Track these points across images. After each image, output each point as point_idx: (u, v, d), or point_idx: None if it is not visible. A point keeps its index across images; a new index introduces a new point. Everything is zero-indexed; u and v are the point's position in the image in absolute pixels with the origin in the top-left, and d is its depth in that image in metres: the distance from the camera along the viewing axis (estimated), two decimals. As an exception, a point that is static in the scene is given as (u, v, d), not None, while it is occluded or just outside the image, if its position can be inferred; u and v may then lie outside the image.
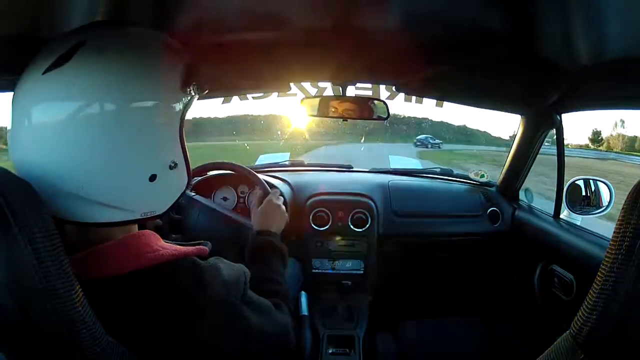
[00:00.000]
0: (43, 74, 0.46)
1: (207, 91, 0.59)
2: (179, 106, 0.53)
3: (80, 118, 0.45)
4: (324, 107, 1.25)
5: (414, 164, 4.90)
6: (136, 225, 0.56)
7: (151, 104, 0.50)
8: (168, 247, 0.53)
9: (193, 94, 0.55)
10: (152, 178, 0.51)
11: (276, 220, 0.90)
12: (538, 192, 1.62)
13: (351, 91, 1.26)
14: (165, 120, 0.52)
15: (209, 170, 1.27)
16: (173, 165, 0.54)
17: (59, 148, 0.46)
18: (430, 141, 11.13)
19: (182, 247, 0.55)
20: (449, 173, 1.73)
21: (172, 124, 0.53)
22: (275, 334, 0.64)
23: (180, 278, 0.52)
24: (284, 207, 0.94)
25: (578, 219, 1.25)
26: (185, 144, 0.55)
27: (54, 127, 0.45)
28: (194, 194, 1.19)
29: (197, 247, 0.57)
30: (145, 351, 0.48)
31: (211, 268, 0.55)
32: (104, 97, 0.46)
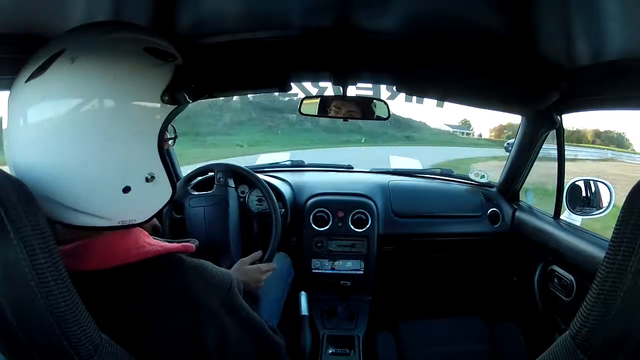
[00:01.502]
0: (25, 82, 0.47)
1: (199, 96, 0.57)
2: (156, 116, 0.51)
3: (52, 128, 0.46)
4: (323, 107, 1.25)
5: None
6: None
7: (122, 114, 0.48)
8: (154, 244, 0.54)
9: (179, 103, 0.52)
10: (126, 190, 0.50)
11: (250, 285, 0.96)
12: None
13: (352, 91, 1.25)
14: (139, 130, 0.49)
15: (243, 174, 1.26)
16: (150, 177, 0.51)
17: (32, 153, 0.47)
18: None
19: (168, 243, 0.55)
20: (449, 174, 1.73)
21: (148, 135, 0.50)
22: (262, 353, 0.63)
23: (163, 274, 0.52)
24: (264, 281, 1.02)
25: (578, 220, 1.25)
26: (167, 155, 0.53)
27: (29, 132, 0.47)
28: (233, 185, 1.22)
29: (183, 244, 0.57)
30: (133, 347, 0.49)
31: (195, 267, 0.55)
32: (73, 109, 0.46)
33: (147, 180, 0.51)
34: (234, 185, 1.23)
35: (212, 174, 1.23)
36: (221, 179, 1.20)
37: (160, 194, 0.54)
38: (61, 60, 0.47)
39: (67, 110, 0.46)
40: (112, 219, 0.51)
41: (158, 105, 0.51)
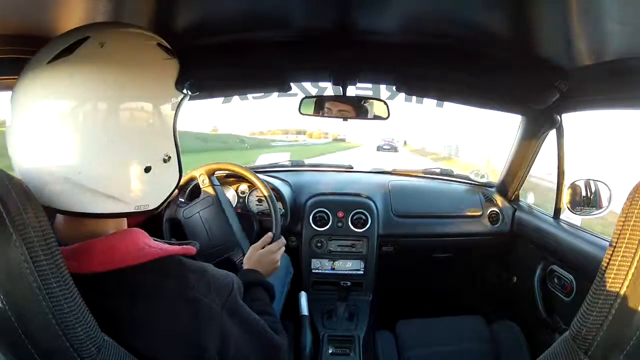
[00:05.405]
0: (47, 63, 0.48)
1: (201, 90, 0.60)
2: (173, 103, 0.56)
3: (81, 106, 0.48)
4: (321, 108, 1.25)
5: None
6: (126, 223, 0.58)
7: (147, 98, 0.52)
8: (154, 246, 0.54)
9: (186, 92, 0.58)
10: (147, 169, 0.53)
11: (267, 270, 0.91)
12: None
13: (352, 91, 1.25)
14: (160, 113, 0.54)
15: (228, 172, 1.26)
16: (167, 158, 0.56)
17: (59, 134, 0.48)
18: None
19: (168, 246, 0.55)
20: (449, 173, 1.73)
21: (167, 118, 0.55)
22: (262, 353, 0.63)
23: (163, 277, 0.52)
24: (279, 261, 0.95)
25: (578, 220, 1.25)
26: (178, 139, 0.57)
27: (55, 113, 0.48)
28: (218, 183, 1.23)
29: (184, 246, 0.57)
30: (134, 350, 0.49)
31: (196, 270, 0.55)
32: (103, 89, 0.48)
33: (164, 161, 0.55)
34: (219, 183, 1.22)
35: (195, 181, 1.22)
36: (205, 181, 1.20)
37: (172, 176, 0.58)
38: (90, 43, 0.49)
39: (97, 89, 0.48)
40: (130, 203, 0.53)
41: (174, 93, 0.56)
